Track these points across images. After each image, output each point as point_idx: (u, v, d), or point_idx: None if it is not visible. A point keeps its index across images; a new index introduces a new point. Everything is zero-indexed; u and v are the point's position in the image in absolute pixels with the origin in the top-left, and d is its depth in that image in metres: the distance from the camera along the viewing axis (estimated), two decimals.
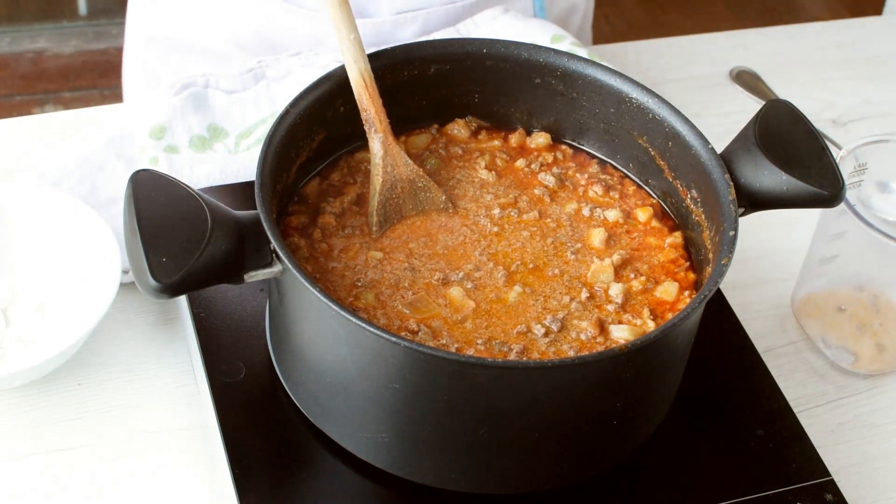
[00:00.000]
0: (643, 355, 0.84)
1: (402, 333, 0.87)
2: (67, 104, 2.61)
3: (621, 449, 0.91)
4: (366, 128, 0.95)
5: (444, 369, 0.81)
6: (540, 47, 0.99)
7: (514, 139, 1.03)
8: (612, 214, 0.98)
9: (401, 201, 0.96)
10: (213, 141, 1.13)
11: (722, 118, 1.28)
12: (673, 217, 0.99)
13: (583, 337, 0.89)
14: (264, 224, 0.83)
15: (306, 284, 0.81)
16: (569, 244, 0.95)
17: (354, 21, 0.94)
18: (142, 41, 1.37)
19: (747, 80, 1.36)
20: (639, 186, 1.01)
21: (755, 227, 1.12)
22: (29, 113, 2.50)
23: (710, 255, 0.91)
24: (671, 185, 0.97)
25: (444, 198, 0.97)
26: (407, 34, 1.26)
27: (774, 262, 1.15)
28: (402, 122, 1.00)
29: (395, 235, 0.95)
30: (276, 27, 1.27)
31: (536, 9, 1.33)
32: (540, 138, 1.03)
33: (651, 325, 0.90)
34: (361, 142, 0.99)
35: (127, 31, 1.39)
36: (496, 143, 1.03)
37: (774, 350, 1.08)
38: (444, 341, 0.88)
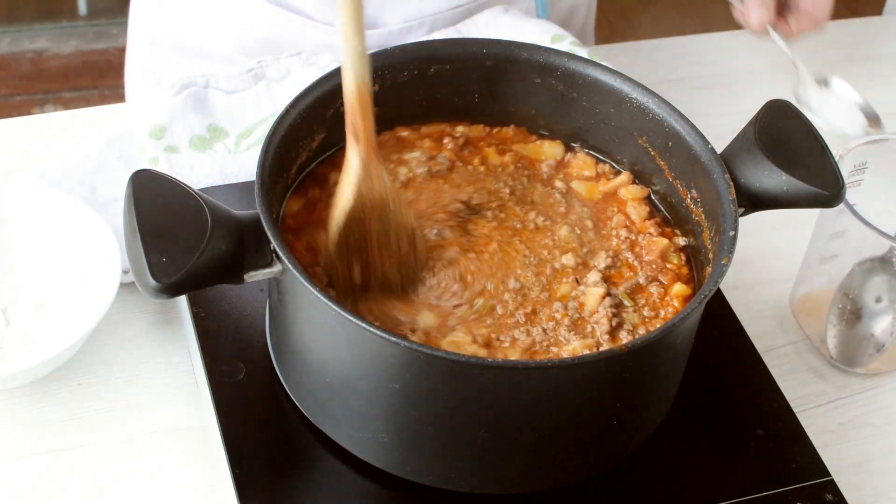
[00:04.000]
0: (643, 355, 0.84)
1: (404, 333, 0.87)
2: (67, 104, 2.62)
3: (621, 449, 0.91)
4: (349, 140, 0.87)
5: (444, 369, 0.81)
6: (540, 47, 0.99)
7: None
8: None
9: (368, 223, 0.88)
10: (213, 141, 1.13)
11: (722, 118, 1.28)
12: (672, 223, 0.98)
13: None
14: (264, 224, 0.83)
15: (306, 284, 0.81)
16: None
17: (363, 28, 0.84)
18: (144, 43, 1.36)
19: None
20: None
21: (755, 227, 1.12)
22: (29, 113, 2.50)
23: (710, 255, 0.91)
24: (671, 185, 0.97)
25: (412, 224, 0.89)
26: (413, 39, 1.26)
27: (774, 262, 1.15)
28: (401, 122, 1.00)
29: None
30: (279, 33, 1.27)
31: (539, 9, 1.33)
32: (576, 156, 1.02)
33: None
34: None
35: (129, 31, 1.39)
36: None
37: (774, 350, 1.08)
38: None
